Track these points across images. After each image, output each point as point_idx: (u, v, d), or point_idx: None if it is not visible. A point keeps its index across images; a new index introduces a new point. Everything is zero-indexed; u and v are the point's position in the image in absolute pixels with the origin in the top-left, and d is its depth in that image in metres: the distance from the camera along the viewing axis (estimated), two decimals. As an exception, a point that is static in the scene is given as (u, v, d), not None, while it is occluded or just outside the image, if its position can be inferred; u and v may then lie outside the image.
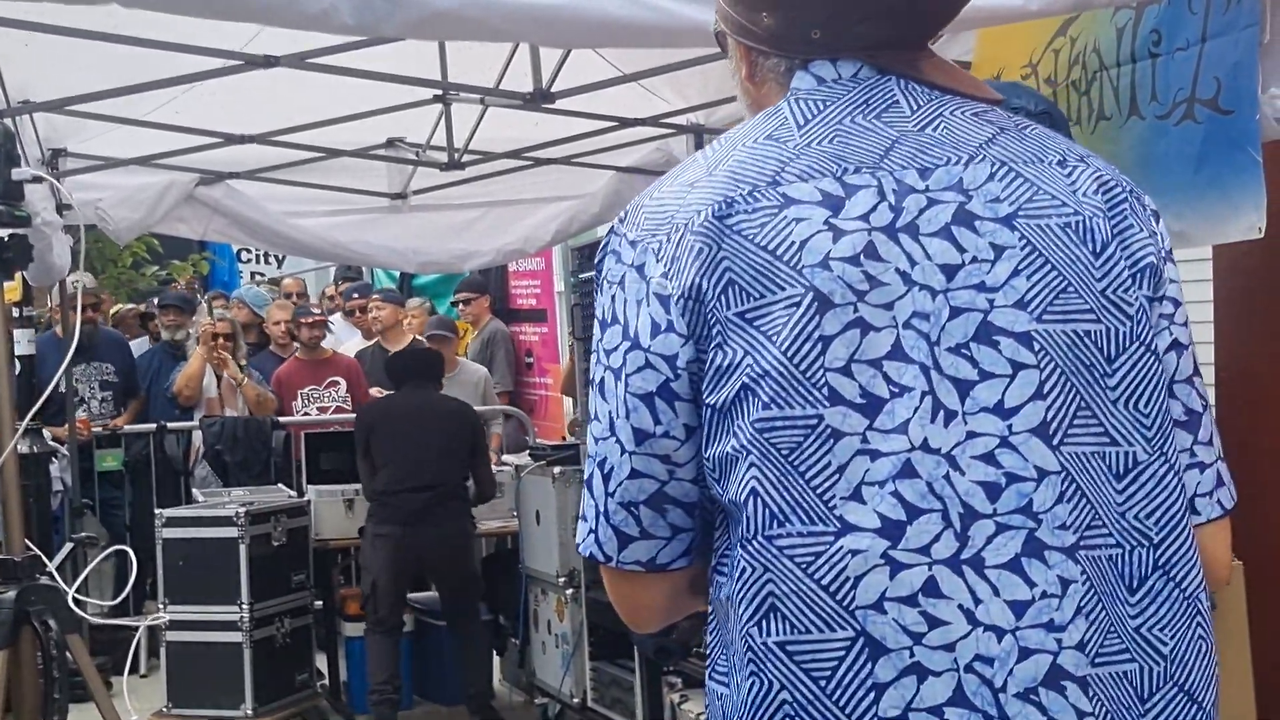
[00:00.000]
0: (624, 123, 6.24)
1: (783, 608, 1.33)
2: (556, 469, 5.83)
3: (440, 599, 6.35)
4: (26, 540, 2.53)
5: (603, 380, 1.43)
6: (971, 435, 1.33)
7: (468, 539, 6.26)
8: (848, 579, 1.31)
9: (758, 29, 1.48)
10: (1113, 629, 1.33)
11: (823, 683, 1.31)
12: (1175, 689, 1.36)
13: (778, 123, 1.45)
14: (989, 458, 1.33)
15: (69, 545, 2.86)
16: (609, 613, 5.78)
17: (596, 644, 5.61)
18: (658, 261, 1.40)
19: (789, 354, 1.33)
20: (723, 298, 1.35)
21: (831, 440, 1.32)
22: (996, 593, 1.30)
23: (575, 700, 5.75)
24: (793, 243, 1.35)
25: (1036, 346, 1.34)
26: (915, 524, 1.31)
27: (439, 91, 5.63)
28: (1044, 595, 1.31)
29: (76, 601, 2.55)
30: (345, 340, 8.99)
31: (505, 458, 7.48)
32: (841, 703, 1.30)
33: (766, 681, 1.34)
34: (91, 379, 7.93)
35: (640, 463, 1.40)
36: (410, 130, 6.33)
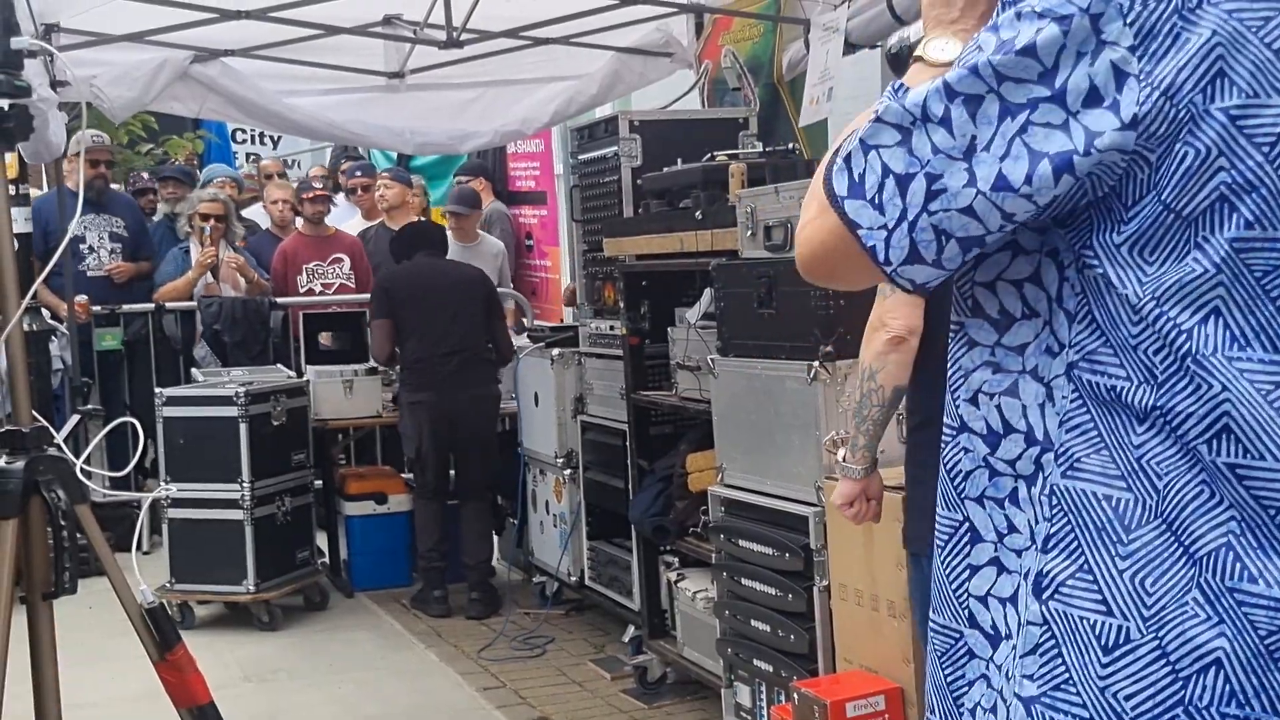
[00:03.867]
0: (624, 1, 6.15)
1: (1237, 429, 1.25)
2: (555, 350, 5.85)
3: (456, 471, 6.43)
4: (33, 412, 2.55)
5: (982, 100, 1.28)
6: None
7: (495, 402, 6.39)
8: None
9: None
10: None
11: (1272, 512, 1.24)
12: None
13: None
14: None
15: (75, 417, 2.88)
16: (606, 493, 5.87)
17: (594, 524, 5.68)
18: (1127, 26, 1.25)
19: (1277, 167, 1.22)
20: (1209, 88, 1.23)
21: None
22: None
23: (573, 579, 5.84)
24: None
25: None
26: None
27: (437, -33, 5.55)
28: None
29: (84, 473, 2.57)
30: (345, 220, 8.95)
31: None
32: None
33: (1217, 495, 1.26)
34: (102, 229, 7.95)
35: (982, 206, 1.30)
36: (408, 7, 6.25)
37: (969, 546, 1.44)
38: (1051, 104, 1.26)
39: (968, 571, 1.45)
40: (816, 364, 3.78)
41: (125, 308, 7.72)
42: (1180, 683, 1.27)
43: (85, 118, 2.86)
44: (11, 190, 3.33)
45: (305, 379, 6.77)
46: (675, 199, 4.89)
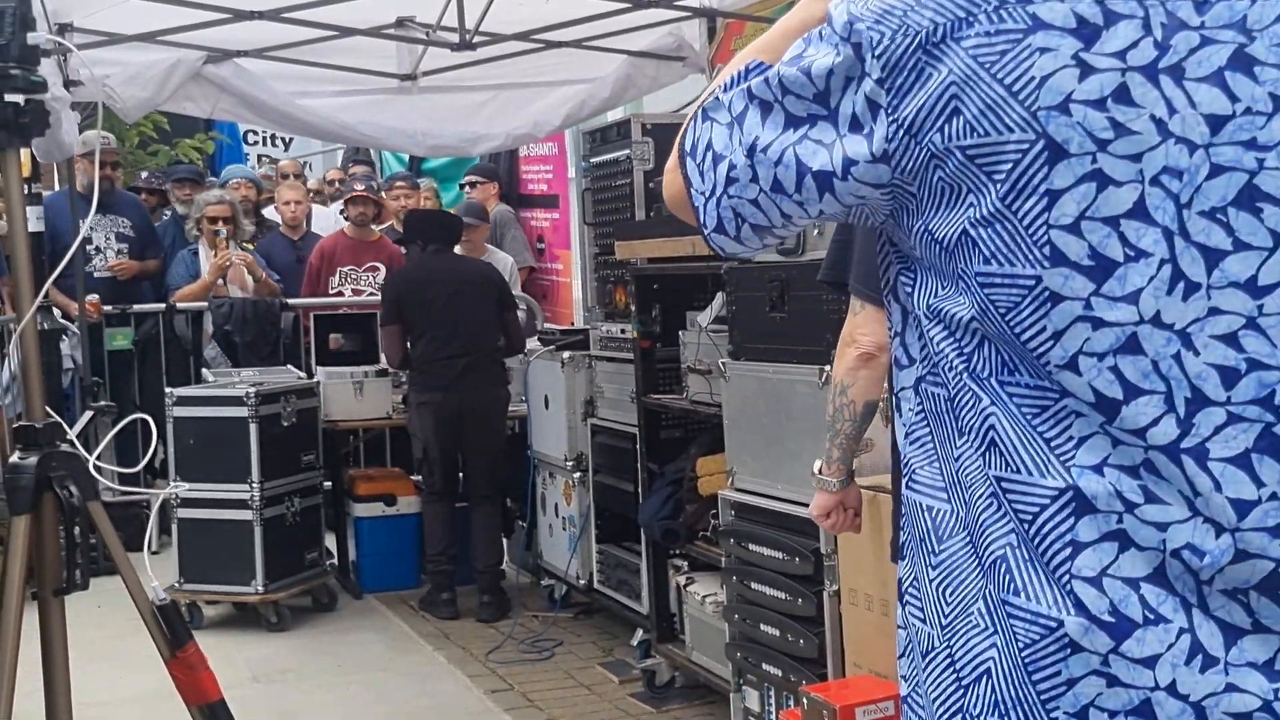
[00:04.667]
0: (637, 4, 6.16)
1: (1001, 445, 1.27)
2: (565, 354, 5.84)
3: (465, 474, 6.43)
4: (46, 408, 2.55)
5: (770, 106, 1.34)
6: (1214, 312, 1.20)
7: (503, 404, 6.39)
8: (1071, 438, 1.25)
9: None
10: None
11: (1027, 525, 1.26)
12: None
13: None
14: (1231, 339, 1.20)
15: (88, 414, 2.88)
16: (616, 496, 5.85)
17: (603, 527, 5.67)
18: (875, 59, 1.28)
19: (1010, 205, 1.23)
20: (945, 128, 1.25)
21: (1049, 304, 1.23)
22: (1218, 488, 1.20)
23: (581, 582, 5.83)
24: (1031, 78, 1.22)
25: None
26: (1132, 404, 1.21)
27: (451, -31, 5.56)
28: (1273, 497, 1.19)
29: (97, 469, 2.57)
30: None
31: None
32: (1040, 548, 1.25)
33: (1001, 508, 1.28)
34: (108, 229, 7.98)
35: (765, 202, 1.36)
36: (421, 10, 6.26)
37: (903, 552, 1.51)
38: (827, 123, 1.31)
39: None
40: (828, 368, 3.77)
41: (136, 308, 7.74)
42: (962, 691, 1.32)
43: (100, 117, 2.86)
44: (25, 189, 3.33)
45: (315, 380, 6.77)
46: (687, 202, 4.88)
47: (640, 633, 5.32)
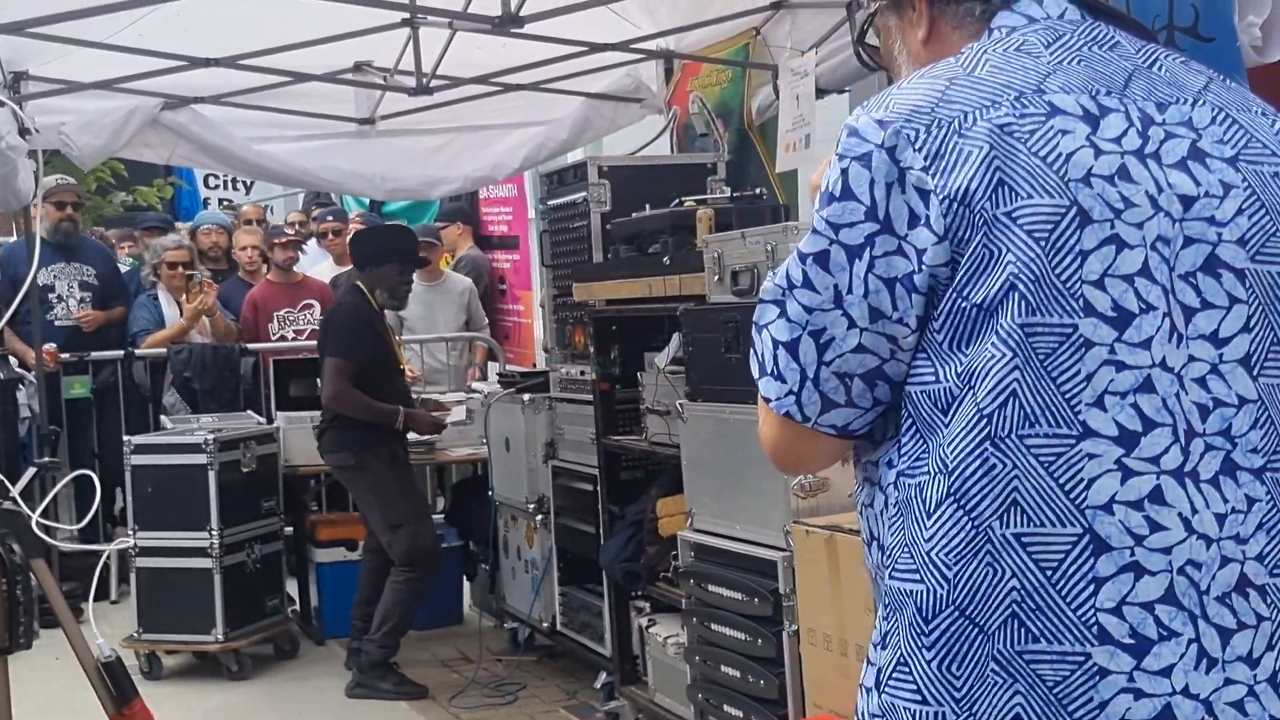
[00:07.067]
0: (594, 48, 6.19)
1: (1023, 502, 1.41)
2: (526, 396, 5.83)
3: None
4: (-11, 465, 2.53)
5: (827, 253, 1.47)
6: (1191, 359, 1.43)
7: (344, 471, 6.01)
8: (1082, 480, 1.41)
9: None
10: None
11: (1049, 572, 1.41)
12: None
13: (1018, 41, 1.53)
14: (1201, 382, 1.43)
15: (31, 470, 2.85)
16: (577, 538, 5.81)
17: (565, 569, 5.65)
18: (916, 152, 1.44)
19: (1053, 263, 1.41)
20: (994, 196, 1.41)
21: (1084, 349, 1.41)
22: (1207, 504, 1.42)
23: (544, 625, 5.80)
24: (1060, 154, 1.43)
25: (1248, 283, 1.45)
26: (1149, 435, 1.41)
27: (407, 15, 5.58)
28: (1233, 511, 1.43)
29: (42, 527, 2.55)
30: (316, 264, 8.94)
31: (474, 385, 7.49)
32: (1063, 591, 1.40)
33: (1001, 570, 1.42)
34: (71, 278, 7.82)
35: (869, 340, 1.48)
36: (378, 54, 6.27)
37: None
38: (884, 234, 1.45)
39: None
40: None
41: (94, 355, 7.66)
42: None
43: (40, 167, 2.85)
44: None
45: (275, 425, 6.74)
46: (644, 244, 4.90)
47: (604, 675, 5.30)
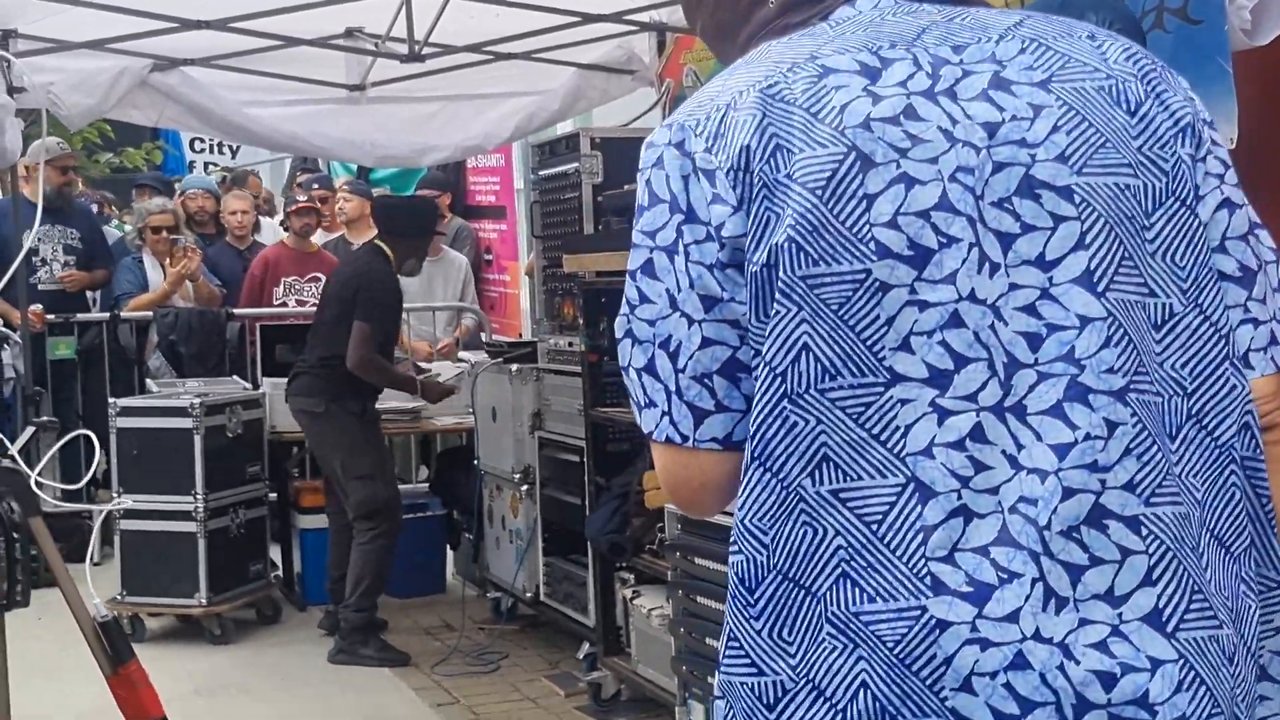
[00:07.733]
0: (586, 18, 6.18)
1: (835, 458, 1.36)
2: (513, 366, 5.84)
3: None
4: (-13, 424, 2.53)
5: (650, 260, 1.45)
6: (1014, 287, 1.36)
7: (312, 418, 5.96)
8: (898, 427, 1.34)
9: None
10: (1169, 471, 1.37)
11: (874, 526, 1.34)
12: (1208, 534, 1.40)
13: (811, 28, 1.51)
14: (1030, 309, 1.36)
15: (29, 429, 2.85)
16: (563, 509, 5.83)
17: (550, 540, 5.67)
18: (697, 137, 1.43)
19: (834, 212, 1.36)
20: (773, 160, 1.38)
21: (880, 293, 1.35)
22: (1039, 438, 1.34)
23: (528, 595, 5.82)
24: (833, 106, 1.39)
25: (1078, 199, 1.38)
26: (962, 372, 1.35)
27: (400, -19, 5.55)
28: (1087, 438, 1.34)
29: (38, 485, 2.55)
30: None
31: (462, 354, 7.49)
32: (892, 545, 1.34)
33: (820, 529, 1.36)
34: (56, 241, 7.82)
35: (711, 330, 1.42)
36: (370, 20, 6.24)
37: None
38: (690, 223, 1.43)
39: None
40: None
41: (79, 317, 7.64)
42: (840, 714, 1.36)
43: (45, 125, 2.84)
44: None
45: (261, 391, 6.73)
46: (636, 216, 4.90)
47: (587, 646, 5.32)
